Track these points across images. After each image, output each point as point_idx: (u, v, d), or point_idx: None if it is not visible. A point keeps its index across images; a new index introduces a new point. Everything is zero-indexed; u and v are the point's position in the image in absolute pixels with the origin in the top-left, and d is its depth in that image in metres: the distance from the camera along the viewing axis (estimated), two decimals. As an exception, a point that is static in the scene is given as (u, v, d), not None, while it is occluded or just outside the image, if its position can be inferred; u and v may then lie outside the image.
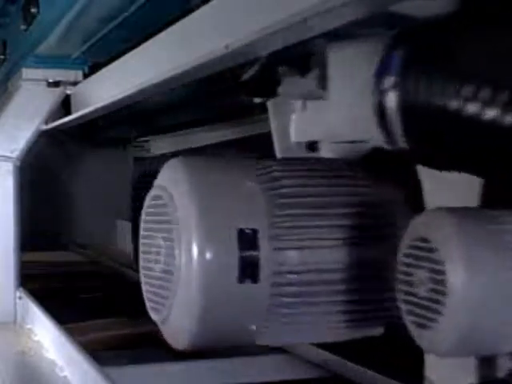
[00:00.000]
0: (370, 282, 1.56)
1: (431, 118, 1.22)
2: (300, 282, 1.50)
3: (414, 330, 1.32)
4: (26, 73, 2.97)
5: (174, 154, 4.19)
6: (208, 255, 1.45)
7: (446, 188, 1.42)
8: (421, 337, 1.31)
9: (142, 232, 1.61)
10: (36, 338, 2.60)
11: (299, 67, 1.70)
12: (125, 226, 5.48)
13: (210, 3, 1.52)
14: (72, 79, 2.98)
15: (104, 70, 2.49)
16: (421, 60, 1.26)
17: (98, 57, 2.88)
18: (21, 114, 3.00)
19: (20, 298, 2.89)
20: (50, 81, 2.97)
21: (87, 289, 4.14)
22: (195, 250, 1.45)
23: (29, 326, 2.76)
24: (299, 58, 1.67)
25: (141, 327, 3.19)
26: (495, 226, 1.27)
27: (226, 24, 1.42)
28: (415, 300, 1.30)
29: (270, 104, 1.93)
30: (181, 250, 1.46)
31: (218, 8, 1.48)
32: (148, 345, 2.92)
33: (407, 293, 1.32)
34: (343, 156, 1.73)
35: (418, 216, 1.33)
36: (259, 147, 3.24)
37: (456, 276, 1.22)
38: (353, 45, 1.51)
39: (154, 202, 1.57)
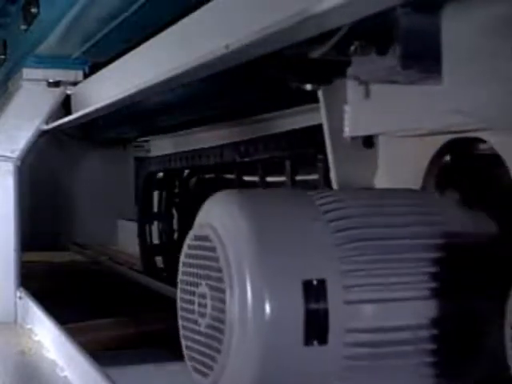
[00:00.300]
0: (464, 340, 1.28)
1: None
2: (378, 343, 1.23)
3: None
4: (27, 73, 2.97)
5: (176, 154, 4.20)
6: (267, 310, 1.18)
7: None
8: None
9: (180, 276, 1.37)
10: (36, 338, 2.59)
11: (377, 43, 1.35)
12: (125, 226, 5.48)
13: (210, 3, 1.52)
14: (72, 79, 2.98)
15: (104, 70, 2.49)
16: None
17: (98, 57, 2.88)
18: (21, 113, 3.00)
19: (20, 297, 2.89)
20: (51, 81, 2.97)
21: (87, 289, 4.14)
22: (251, 304, 1.18)
23: (29, 326, 2.76)
24: (378, 31, 1.33)
25: (141, 327, 3.19)
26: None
27: (225, 24, 1.42)
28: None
29: (320, 92, 1.70)
30: (233, 304, 1.19)
31: (218, 8, 1.48)
32: (148, 345, 2.92)
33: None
34: (407, 153, 1.55)
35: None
36: (264, 149, 3.25)
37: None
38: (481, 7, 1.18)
39: (197, 243, 1.32)
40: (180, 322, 1.36)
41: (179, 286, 1.37)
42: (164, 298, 3.74)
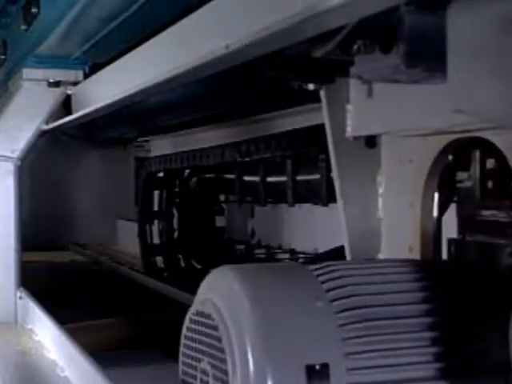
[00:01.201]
0: None
1: None
2: None
3: None
4: (27, 73, 2.97)
5: (176, 154, 4.20)
6: None
7: None
8: None
9: (182, 348, 1.35)
10: (37, 338, 2.59)
11: (381, 42, 1.33)
12: (125, 226, 5.49)
13: (210, 3, 1.52)
14: (72, 79, 2.98)
15: (104, 70, 2.49)
16: None
17: (98, 57, 2.88)
18: (21, 113, 3.00)
19: (21, 298, 2.89)
20: (51, 81, 2.97)
21: (87, 289, 4.14)
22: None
23: (29, 326, 2.76)
24: (382, 29, 1.31)
25: (141, 328, 3.19)
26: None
27: (225, 24, 1.42)
28: None
29: (322, 92, 1.69)
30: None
31: (218, 8, 1.48)
32: (148, 345, 2.92)
33: None
34: (410, 153, 1.53)
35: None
36: (265, 148, 3.25)
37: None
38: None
39: (199, 319, 1.30)
40: None
41: (181, 358, 1.35)
42: (164, 297, 3.74)
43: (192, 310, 1.33)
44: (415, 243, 1.55)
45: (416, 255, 1.53)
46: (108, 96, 2.33)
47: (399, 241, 1.62)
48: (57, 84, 2.98)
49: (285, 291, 1.26)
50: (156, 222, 4.55)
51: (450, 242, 1.51)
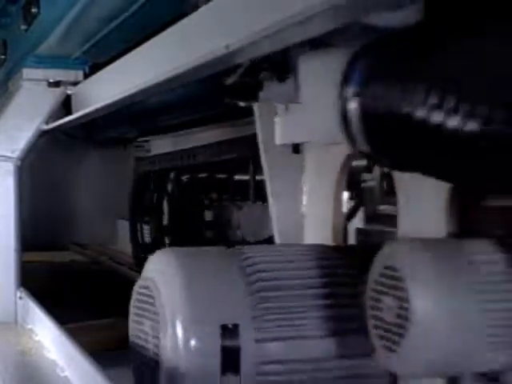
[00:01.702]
0: (357, 367, 1.61)
1: (390, 124, 1.31)
2: (284, 372, 1.55)
3: (383, 354, 1.40)
4: (27, 73, 2.97)
5: (173, 153, 4.21)
6: (192, 348, 1.51)
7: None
8: (389, 360, 1.40)
9: (131, 316, 1.72)
10: (37, 338, 2.59)
11: (279, 73, 1.88)
12: (125, 226, 5.49)
13: (210, 3, 1.52)
14: (72, 79, 2.98)
15: (104, 70, 2.49)
16: (381, 70, 1.34)
17: (98, 57, 2.88)
18: (21, 113, 3.00)
19: (21, 298, 2.90)
20: (51, 81, 2.98)
21: (87, 289, 4.14)
22: (180, 343, 1.52)
23: (29, 326, 2.76)
24: (279, 64, 1.86)
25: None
26: (460, 256, 1.37)
27: (226, 24, 1.42)
28: (383, 325, 1.40)
29: (255, 107, 2.03)
30: (166, 341, 1.54)
31: (218, 8, 1.48)
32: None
33: (376, 318, 1.42)
34: (327, 159, 1.91)
35: (387, 245, 1.44)
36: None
37: (418, 303, 1.32)
38: (323, 53, 1.69)
39: (142, 291, 1.65)
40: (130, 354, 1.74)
41: (130, 324, 1.72)
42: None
43: (137, 284, 1.68)
44: (329, 233, 1.93)
45: (329, 242, 1.89)
46: (108, 96, 2.33)
47: (318, 231, 1.98)
48: (57, 84, 2.98)
49: (210, 267, 1.62)
50: (147, 220, 4.61)
51: (357, 230, 2.12)
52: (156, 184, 4.62)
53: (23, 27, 2.87)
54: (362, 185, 2.04)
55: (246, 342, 1.51)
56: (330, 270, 1.63)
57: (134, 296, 1.69)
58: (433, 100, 1.19)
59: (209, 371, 1.51)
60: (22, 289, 2.92)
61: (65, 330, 2.31)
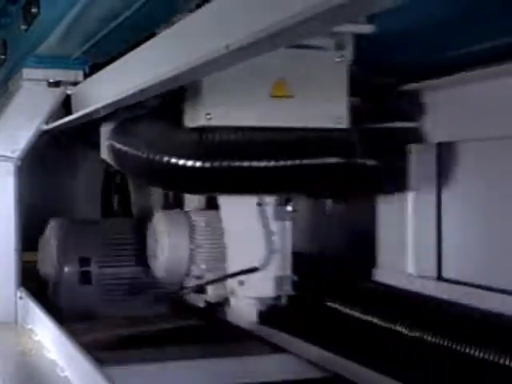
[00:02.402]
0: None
1: (120, 156, 2.82)
2: (109, 283, 3.30)
3: (152, 264, 3.21)
4: (27, 73, 2.97)
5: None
6: (66, 270, 3.28)
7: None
8: (154, 267, 3.19)
9: (39, 253, 3.22)
10: (36, 338, 2.60)
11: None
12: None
13: (210, 3, 1.52)
14: (72, 79, 2.98)
15: (104, 70, 2.49)
16: (121, 129, 2.84)
17: (98, 57, 2.88)
18: (21, 113, 3.00)
19: (21, 297, 2.90)
20: (51, 81, 2.98)
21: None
22: (58, 267, 3.30)
23: (29, 326, 2.76)
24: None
25: (141, 327, 3.19)
26: (185, 217, 3.16)
27: (225, 24, 1.42)
28: (152, 250, 3.27)
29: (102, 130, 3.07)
30: (54, 268, 3.34)
31: (218, 8, 1.48)
32: (148, 345, 2.92)
33: (150, 248, 3.23)
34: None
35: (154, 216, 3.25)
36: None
37: (163, 242, 3.09)
38: (108, 124, 2.92)
39: (46, 239, 2.92)
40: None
41: (39, 257, 3.59)
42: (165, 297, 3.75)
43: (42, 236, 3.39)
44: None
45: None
46: (108, 96, 2.33)
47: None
48: (57, 84, 2.98)
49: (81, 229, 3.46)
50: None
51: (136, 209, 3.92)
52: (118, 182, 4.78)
53: (23, 27, 2.87)
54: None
55: (95, 269, 3.28)
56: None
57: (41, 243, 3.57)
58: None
59: (73, 282, 3.24)
60: (22, 289, 2.93)
61: (65, 330, 2.31)
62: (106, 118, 2.73)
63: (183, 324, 3.24)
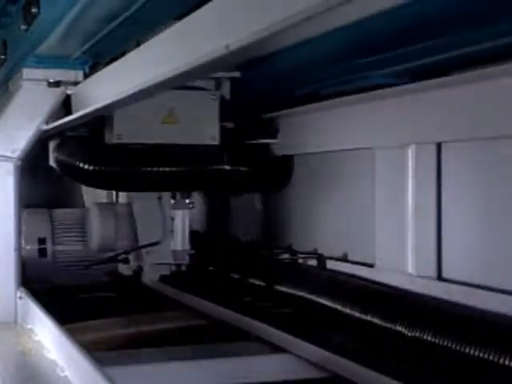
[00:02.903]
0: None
1: (63, 165, 3.67)
2: (60, 257, 4.14)
3: None
4: (27, 73, 2.97)
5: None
6: (29, 248, 4.02)
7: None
8: None
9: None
10: (36, 338, 2.59)
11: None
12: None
13: (210, 3, 1.52)
14: (72, 79, 2.98)
15: (104, 70, 2.49)
16: (63, 144, 3.69)
17: (98, 57, 2.88)
18: (21, 113, 3.00)
19: (20, 297, 2.90)
20: (51, 81, 2.98)
21: (87, 288, 4.14)
22: (28, 246, 4.06)
23: (29, 326, 2.76)
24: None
25: (141, 327, 3.19)
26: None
27: (225, 24, 1.42)
28: None
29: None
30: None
31: (218, 8, 1.48)
32: (148, 345, 2.92)
33: None
34: None
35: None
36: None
37: None
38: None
39: None
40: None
41: None
42: (164, 297, 3.75)
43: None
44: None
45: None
46: (108, 96, 2.33)
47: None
48: (57, 84, 2.98)
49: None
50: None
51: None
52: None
53: (23, 27, 2.87)
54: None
55: (49, 245, 4.09)
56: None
57: None
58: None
59: (36, 256, 4.02)
60: (22, 289, 2.93)
61: (65, 330, 2.31)
62: (52, 136, 3.61)
63: (183, 324, 3.25)
